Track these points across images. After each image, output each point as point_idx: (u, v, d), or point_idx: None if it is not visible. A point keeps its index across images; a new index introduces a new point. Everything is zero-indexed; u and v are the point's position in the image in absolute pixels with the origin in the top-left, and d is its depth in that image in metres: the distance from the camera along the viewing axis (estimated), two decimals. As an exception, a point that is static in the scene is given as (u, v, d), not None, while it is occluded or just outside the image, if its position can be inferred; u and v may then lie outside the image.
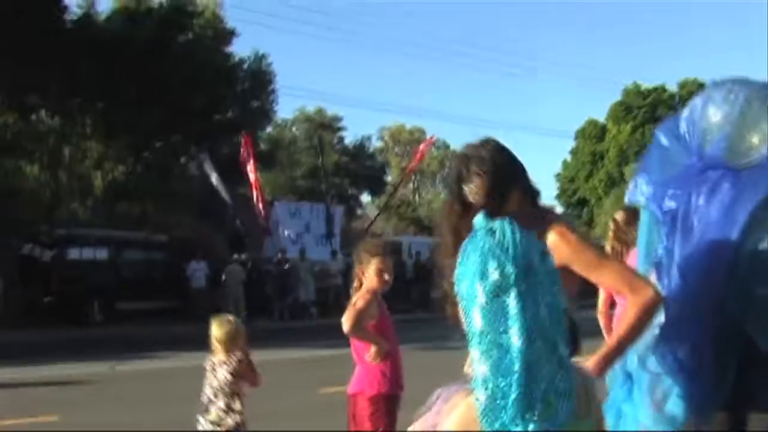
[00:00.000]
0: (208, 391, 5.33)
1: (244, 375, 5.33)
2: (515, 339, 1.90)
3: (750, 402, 2.94)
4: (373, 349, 4.77)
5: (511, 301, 1.91)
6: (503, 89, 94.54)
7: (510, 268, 1.91)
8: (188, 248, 23.92)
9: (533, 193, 2.98)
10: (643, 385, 3.15)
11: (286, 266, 24.85)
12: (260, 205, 26.03)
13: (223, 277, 23.03)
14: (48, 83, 23.78)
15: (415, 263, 28.33)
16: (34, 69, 22.53)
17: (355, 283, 5.02)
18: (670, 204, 3.12)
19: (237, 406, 5.29)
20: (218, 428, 5.23)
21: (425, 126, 56.05)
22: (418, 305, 24.61)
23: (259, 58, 30.91)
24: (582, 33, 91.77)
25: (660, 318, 2.93)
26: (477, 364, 1.95)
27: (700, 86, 49.59)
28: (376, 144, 53.27)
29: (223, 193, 25.61)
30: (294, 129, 46.96)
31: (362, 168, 46.47)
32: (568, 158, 57.63)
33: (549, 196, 53.42)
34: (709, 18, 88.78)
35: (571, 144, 56.99)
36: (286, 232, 27.23)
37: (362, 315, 4.76)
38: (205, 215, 27.63)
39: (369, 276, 4.90)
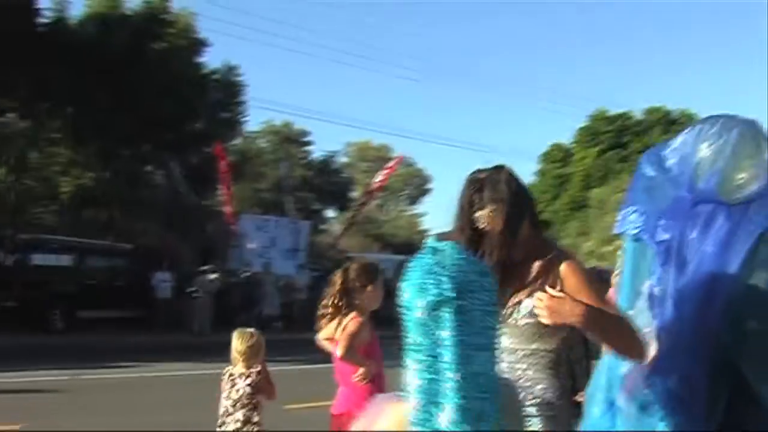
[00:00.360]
0: (226, 403, 5.33)
1: (262, 388, 5.36)
2: (449, 352, 1.96)
3: (738, 434, 2.99)
4: (360, 370, 4.79)
5: (448, 317, 1.97)
6: (470, 109, 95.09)
7: (447, 285, 1.97)
8: (153, 257, 23.65)
9: (539, 223, 3.03)
10: (630, 414, 3.18)
11: (250, 274, 24.78)
12: (231, 217, 26.02)
13: (194, 287, 22.79)
14: (17, 86, 23.52)
15: (379, 281, 28.28)
16: (2, 71, 22.28)
17: (334, 299, 4.99)
18: (663, 235, 3.16)
19: (255, 418, 5.31)
20: None
21: (391, 143, 55.98)
22: (382, 323, 24.57)
23: (230, 69, 30.89)
24: (550, 58, 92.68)
25: (652, 349, 2.99)
26: (411, 374, 2.01)
27: (666, 114, 50.51)
28: (342, 160, 53.21)
29: (189, 196, 25.49)
30: (261, 142, 46.74)
31: (327, 183, 46.40)
32: (533, 180, 58.03)
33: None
34: (676, 46, 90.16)
35: (535, 166, 57.47)
36: (251, 245, 27.14)
37: (355, 339, 4.79)
38: (171, 225, 27.45)
39: (370, 296, 4.92)
